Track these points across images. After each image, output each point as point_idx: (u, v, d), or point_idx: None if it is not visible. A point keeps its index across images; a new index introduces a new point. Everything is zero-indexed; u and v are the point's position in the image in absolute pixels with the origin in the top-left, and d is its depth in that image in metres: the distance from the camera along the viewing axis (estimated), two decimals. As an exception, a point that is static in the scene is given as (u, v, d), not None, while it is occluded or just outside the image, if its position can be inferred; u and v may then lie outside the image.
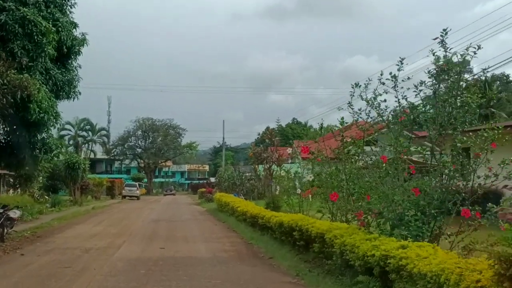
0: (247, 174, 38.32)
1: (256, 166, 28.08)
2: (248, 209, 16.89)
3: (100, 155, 58.24)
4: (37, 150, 14.70)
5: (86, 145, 55.29)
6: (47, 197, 34.12)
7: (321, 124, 11.38)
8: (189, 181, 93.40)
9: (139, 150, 72.98)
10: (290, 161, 29.92)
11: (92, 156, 56.02)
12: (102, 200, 42.56)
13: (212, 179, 69.82)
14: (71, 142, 53.39)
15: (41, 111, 12.83)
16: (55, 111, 14.07)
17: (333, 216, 11.51)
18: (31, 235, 14.27)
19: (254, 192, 34.78)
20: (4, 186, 30.22)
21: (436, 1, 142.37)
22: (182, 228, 17.31)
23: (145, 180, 73.44)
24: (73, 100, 16.53)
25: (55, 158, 15.93)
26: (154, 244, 12.54)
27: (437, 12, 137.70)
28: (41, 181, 32.89)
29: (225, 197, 24.18)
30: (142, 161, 73.19)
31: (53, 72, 14.96)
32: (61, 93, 15.58)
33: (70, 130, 54.54)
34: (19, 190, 32.72)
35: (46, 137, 14.80)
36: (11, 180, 33.32)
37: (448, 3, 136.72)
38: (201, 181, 79.34)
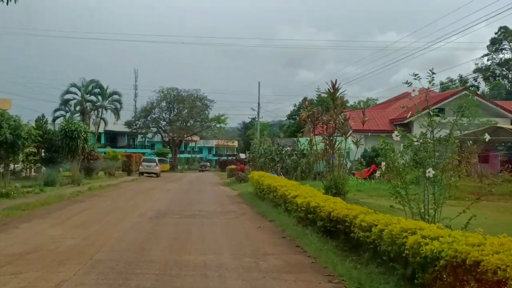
0: (287, 149, 31.09)
1: (313, 135, 20.00)
2: (318, 202, 9.28)
3: (111, 124, 50.54)
4: None
5: (96, 111, 47.63)
6: (33, 173, 27.80)
7: None
8: (217, 158, 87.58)
9: (163, 123, 66.49)
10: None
11: (102, 124, 48.50)
12: (115, 177, 35.98)
13: (242, 155, 62.88)
14: (77, 108, 45.80)
15: None
16: None
17: None
18: None
19: (297, 171, 27.59)
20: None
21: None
22: (199, 235, 9.73)
23: (170, 155, 66.98)
24: (7, 3, 9.13)
25: None
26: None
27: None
28: (28, 151, 25.97)
29: (267, 179, 16.56)
30: (166, 135, 66.70)
31: None
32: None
33: (76, 94, 46.44)
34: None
35: None
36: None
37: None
38: (229, 158, 73.04)
